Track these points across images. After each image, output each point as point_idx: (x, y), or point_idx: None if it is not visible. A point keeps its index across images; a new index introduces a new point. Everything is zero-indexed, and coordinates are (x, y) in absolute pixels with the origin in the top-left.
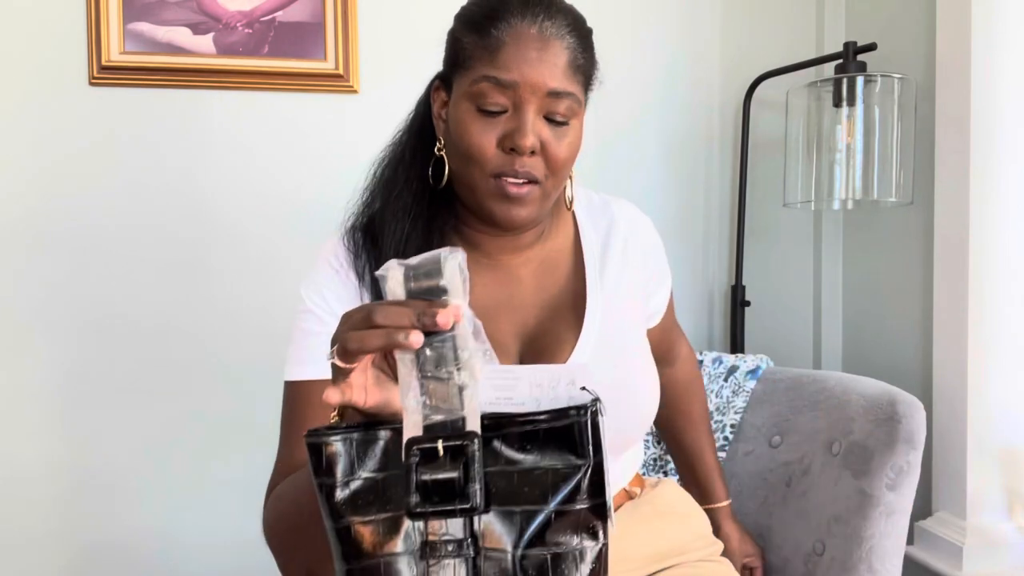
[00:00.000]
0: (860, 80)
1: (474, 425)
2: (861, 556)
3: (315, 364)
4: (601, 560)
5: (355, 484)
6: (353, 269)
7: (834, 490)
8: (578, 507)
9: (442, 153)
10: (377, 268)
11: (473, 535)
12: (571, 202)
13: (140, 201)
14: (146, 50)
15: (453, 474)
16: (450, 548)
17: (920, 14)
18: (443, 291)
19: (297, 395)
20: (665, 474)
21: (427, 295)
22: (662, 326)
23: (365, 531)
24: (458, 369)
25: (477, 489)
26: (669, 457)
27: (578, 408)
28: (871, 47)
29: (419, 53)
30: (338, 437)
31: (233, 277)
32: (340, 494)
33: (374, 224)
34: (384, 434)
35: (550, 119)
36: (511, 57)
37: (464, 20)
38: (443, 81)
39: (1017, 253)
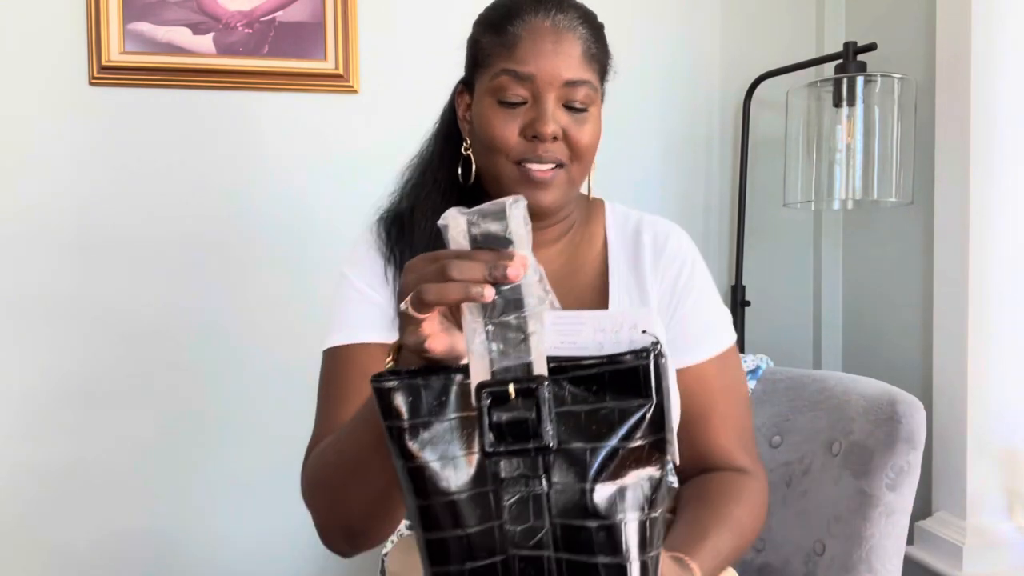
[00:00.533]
0: (860, 80)
1: (541, 369)
2: (861, 556)
3: (355, 329)
4: (659, 489)
5: (424, 425)
6: (386, 249)
7: (834, 490)
8: (641, 442)
9: (469, 152)
10: (405, 256)
11: (545, 471)
12: (591, 192)
13: (139, 201)
14: (146, 50)
15: (526, 415)
16: (523, 484)
17: (920, 14)
18: (507, 241)
19: (339, 360)
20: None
21: (491, 244)
22: (698, 393)
23: (437, 469)
24: (524, 316)
25: (549, 429)
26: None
27: (641, 351)
28: (871, 47)
29: (419, 53)
30: (404, 381)
31: (232, 276)
32: (410, 435)
33: (403, 221)
34: (450, 378)
35: (569, 107)
36: (527, 50)
37: (482, 23)
38: (466, 85)
39: (1017, 253)
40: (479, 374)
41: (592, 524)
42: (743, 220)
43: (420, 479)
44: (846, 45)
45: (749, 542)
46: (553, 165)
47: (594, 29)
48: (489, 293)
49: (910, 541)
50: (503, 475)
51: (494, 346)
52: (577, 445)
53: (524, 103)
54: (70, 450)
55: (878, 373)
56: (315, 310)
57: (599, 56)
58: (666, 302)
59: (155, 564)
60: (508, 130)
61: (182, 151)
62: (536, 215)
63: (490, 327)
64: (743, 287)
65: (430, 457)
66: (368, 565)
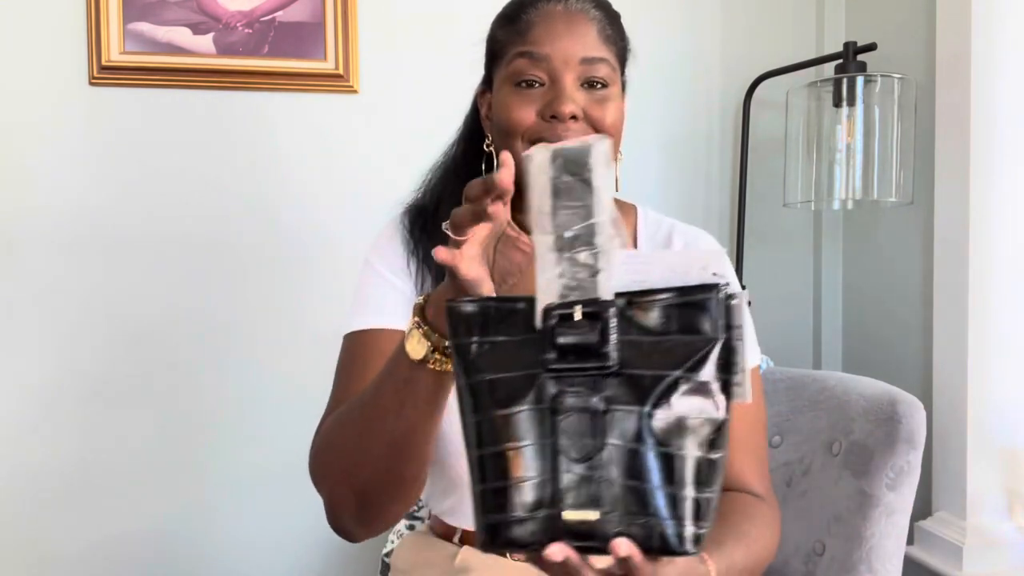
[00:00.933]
0: (860, 80)
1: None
2: (861, 556)
3: (376, 315)
4: (721, 432)
5: (488, 344)
6: (410, 242)
7: (834, 490)
8: (703, 379)
9: (491, 149)
10: (427, 251)
11: (604, 392)
12: (618, 182)
13: (139, 201)
14: (146, 50)
15: (590, 336)
16: (579, 404)
17: (920, 14)
18: (587, 176)
19: (358, 343)
20: None
21: (570, 176)
22: None
23: (498, 386)
24: (595, 252)
25: (611, 350)
26: None
27: (710, 286)
28: (871, 47)
29: (419, 53)
30: (475, 303)
31: (232, 276)
32: (475, 351)
33: (427, 216)
34: (518, 305)
35: (589, 85)
36: (541, 33)
37: (498, 19)
38: (487, 85)
39: (1017, 253)
40: (546, 302)
41: (648, 450)
42: (743, 220)
43: (480, 394)
44: (846, 45)
45: (760, 565)
46: None
47: (609, 15)
48: (494, 210)
49: (910, 541)
50: (560, 393)
51: (563, 280)
52: (638, 371)
53: (542, 85)
54: (70, 450)
55: (878, 373)
56: (314, 309)
57: (615, 39)
58: None
59: (155, 564)
60: (524, 112)
61: (182, 151)
62: None
63: (560, 261)
64: (743, 287)
65: (491, 374)
66: (369, 566)
